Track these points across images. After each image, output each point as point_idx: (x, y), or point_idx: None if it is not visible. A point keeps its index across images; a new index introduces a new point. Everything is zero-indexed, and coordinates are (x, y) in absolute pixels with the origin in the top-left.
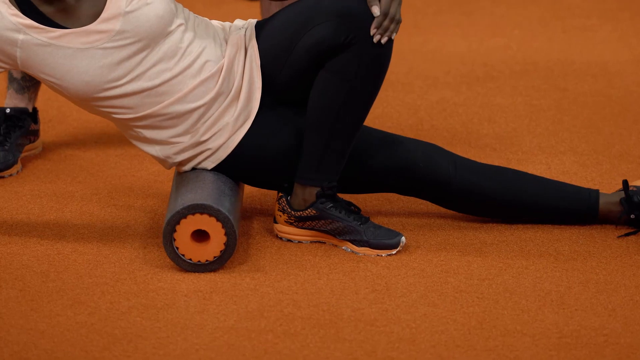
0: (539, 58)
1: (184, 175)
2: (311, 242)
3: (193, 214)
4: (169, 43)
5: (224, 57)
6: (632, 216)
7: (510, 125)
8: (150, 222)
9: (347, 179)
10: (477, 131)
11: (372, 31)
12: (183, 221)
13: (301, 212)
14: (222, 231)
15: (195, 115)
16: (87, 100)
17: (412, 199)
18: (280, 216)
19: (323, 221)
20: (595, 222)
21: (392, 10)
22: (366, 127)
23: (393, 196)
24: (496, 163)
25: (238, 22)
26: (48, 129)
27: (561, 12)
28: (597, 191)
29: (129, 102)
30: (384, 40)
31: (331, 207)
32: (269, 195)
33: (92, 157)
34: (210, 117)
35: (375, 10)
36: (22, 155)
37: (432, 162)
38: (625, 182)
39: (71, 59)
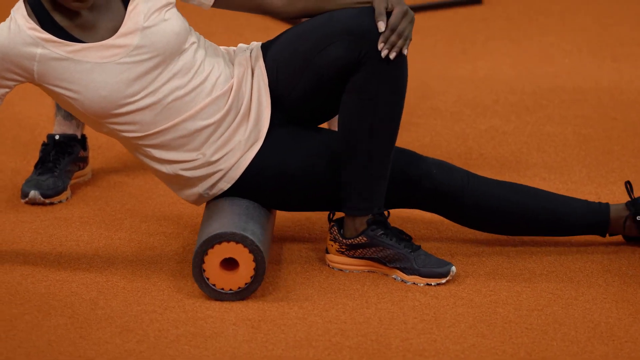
0: (589, 87)
1: (214, 202)
2: (362, 272)
3: (220, 242)
4: (184, 60)
5: (232, 77)
6: (638, 218)
7: (560, 154)
8: None
9: None
10: (526, 160)
11: (380, 46)
12: (210, 251)
13: (352, 240)
14: (250, 257)
15: (205, 133)
16: (102, 117)
17: (461, 227)
18: (332, 245)
19: (374, 248)
20: (606, 232)
21: (400, 27)
22: None
23: (442, 224)
24: None
25: (241, 45)
26: (97, 156)
27: (610, 41)
28: (607, 203)
29: (142, 119)
30: (392, 56)
31: (382, 234)
32: (318, 223)
33: (141, 184)
34: (220, 137)
35: (381, 26)
36: (72, 182)
37: (446, 171)
38: (628, 183)
39: (89, 73)
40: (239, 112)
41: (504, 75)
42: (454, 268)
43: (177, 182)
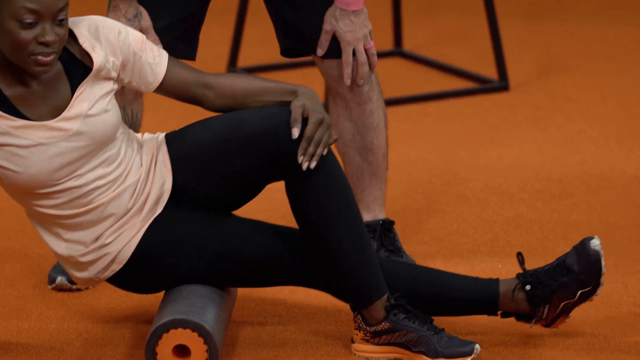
0: (615, 174)
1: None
2: (388, 359)
3: (167, 331)
4: (112, 150)
5: (142, 165)
6: (528, 287)
7: None
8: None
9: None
10: (553, 248)
11: (299, 159)
12: (161, 341)
13: (375, 327)
14: (204, 347)
15: (111, 220)
16: (21, 191)
17: (483, 317)
18: (357, 334)
19: (398, 333)
20: (497, 308)
21: (317, 136)
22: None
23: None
24: None
25: (147, 134)
26: None
27: (637, 129)
28: (497, 279)
29: (58, 201)
30: (312, 165)
31: (404, 317)
32: (344, 311)
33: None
34: (118, 222)
35: (295, 133)
36: None
37: None
38: (519, 255)
39: (24, 150)
40: (139, 199)
41: (530, 163)
42: (477, 346)
43: (70, 262)
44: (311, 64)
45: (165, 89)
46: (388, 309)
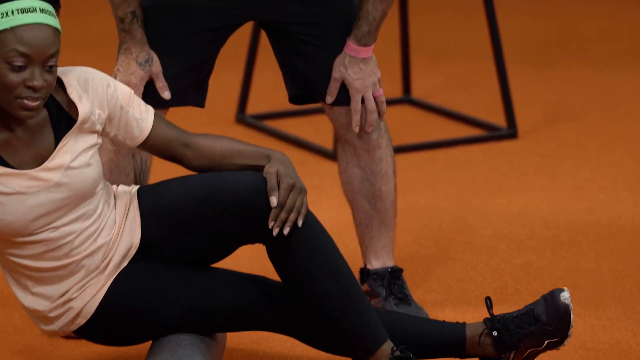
0: (624, 222)
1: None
2: None
3: None
4: (89, 205)
5: (115, 223)
6: (495, 333)
7: (595, 290)
8: None
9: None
10: None
11: (270, 224)
12: None
13: None
14: None
15: (80, 275)
16: None
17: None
18: None
19: None
20: (464, 352)
21: (289, 202)
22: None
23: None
24: (580, 329)
25: (122, 187)
26: None
27: None
28: (463, 322)
29: (32, 251)
30: (285, 231)
31: None
32: None
33: None
34: (86, 278)
35: (273, 201)
36: None
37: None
38: (487, 299)
39: (2, 197)
40: (108, 254)
41: (539, 210)
42: None
43: (35, 315)
44: (319, 111)
45: (149, 144)
46: (391, 359)
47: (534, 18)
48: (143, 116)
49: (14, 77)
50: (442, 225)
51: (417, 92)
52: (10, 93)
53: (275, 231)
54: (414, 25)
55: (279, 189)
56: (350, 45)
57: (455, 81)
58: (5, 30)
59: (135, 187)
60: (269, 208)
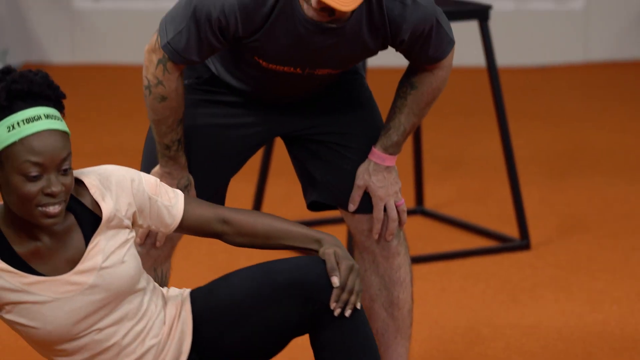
0: (639, 336)
1: None
2: None
3: None
4: (132, 303)
5: (164, 324)
6: None
7: None
8: None
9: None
10: None
11: (332, 305)
12: None
13: None
14: None
15: None
16: (40, 345)
17: None
18: None
19: None
20: None
21: (349, 283)
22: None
23: None
24: None
25: (173, 289)
26: None
27: None
28: None
29: (79, 357)
30: (347, 313)
31: None
32: None
33: None
34: None
35: (335, 281)
36: None
37: None
38: None
39: (40, 307)
40: (158, 357)
41: (552, 322)
42: None
43: None
44: (332, 221)
45: (184, 228)
46: None
47: (546, 130)
48: (173, 202)
49: (31, 187)
50: (455, 337)
51: (430, 203)
52: (29, 203)
53: (337, 312)
54: (427, 136)
55: (338, 270)
56: (377, 153)
57: (468, 192)
58: (14, 143)
59: (188, 290)
60: (329, 289)
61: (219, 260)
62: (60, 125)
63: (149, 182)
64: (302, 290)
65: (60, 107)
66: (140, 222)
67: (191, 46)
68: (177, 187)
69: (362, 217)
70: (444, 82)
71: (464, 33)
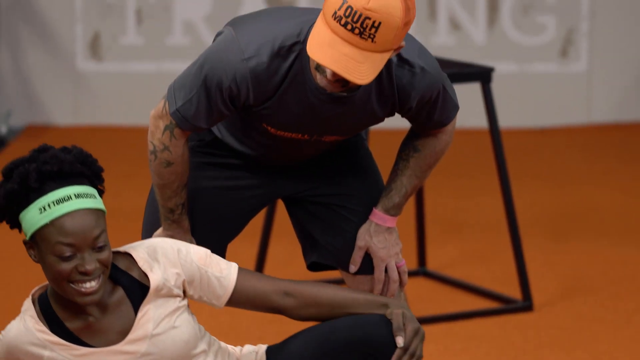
0: None
1: None
2: None
3: None
4: None
5: None
6: None
7: None
8: None
9: None
10: None
11: None
12: None
13: None
14: None
15: None
16: None
17: None
18: None
19: None
20: None
21: (412, 346)
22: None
23: None
24: None
25: (248, 346)
26: None
27: None
28: None
29: None
30: None
31: None
32: None
33: None
34: None
35: (400, 341)
36: None
37: None
38: None
39: None
40: None
41: None
42: None
43: None
44: (334, 282)
45: (238, 300)
46: None
47: (548, 191)
48: (224, 274)
49: (65, 266)
50: None
51: (432, 265)
52: (64, 281)
53: None
54: (429, 197)
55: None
56: (378, 214)
57: (471, 253)
58: (46, 225)
59: (264, 347)
60: (392, 349)
61: (220, 321)
62: (92, 203)
63: (198, 253)
64: (364, 347)
65: (97, 183)
66: (191, 292)
67: (200, 113)
68: None
69: (363, 278)
70: (447, 146)
71: (467, 94)
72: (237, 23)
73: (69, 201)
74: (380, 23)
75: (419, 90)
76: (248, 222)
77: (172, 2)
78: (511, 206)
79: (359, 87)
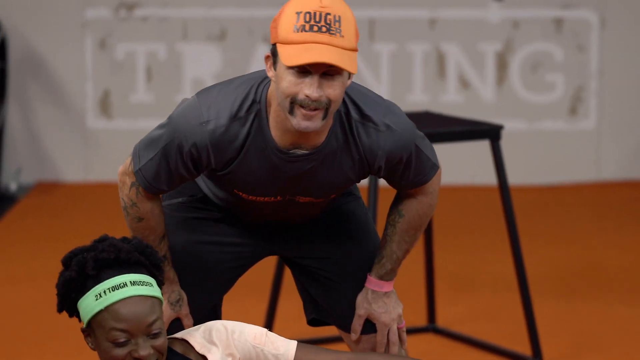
0: None
1: None
2: None
3: None
4: None
5: None
6: None
7: None
8: None
9: None
10: None
11: None
12: None
13: None
14: None
15: None
16: None
17: None
18: None
19: None
20: None
21: None
22: None
23: None
24: None
25: None
26: None
27: None
28: None
29: None
30: None
31: None
32: None
33: None
34: None
35: None
36: None
37: None
38: None
39: None
40: None
41: None
42: None
43: None
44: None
45: None
46: None
47: (558, 248)
48: (281, 351)
49: (119, 351)
50: None
51: (441, 321)
52: None
53: None
54: (439, 254)
55: None
56: (373, 281)
57: (480, 310)
58: (101, 311)
59: None
60: None
61: None
62: (147, 290)
63: (252, 333)
64: None
65: (156, 272)
66: None
67: (160, 176)
68: (168, 302)
69: (363, 338)
70: (430, 208)
71: (476, 152)
72: (202, 91)
73: (124, 288)
74: (340, 16)
75: (385, 148)
76: (238, 278)
77: (182, 59)
78: (521, 263)
79: (319, 145)
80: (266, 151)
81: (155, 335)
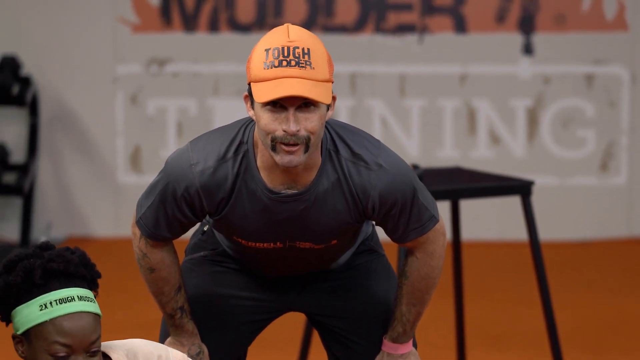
0: None
1: None
2: None
3: None
4: None
5: None
6: None
7: None
8: None
9: None
10: None
11: None
12: None
13: None
14: None
15: None
16: None
17: None
18: None
19: None
20: None
21: None
22: None
23: None
24: None
25: None
26: None
27: None
28: None
29: None
30: None
31: None
32: None
33: None
34: None
35: None
36: None
37: None
38: None
39: None
40: None
41: None
42: None
43: None
44: None
45: None
46: None
47: (589, 304)
48: None
49: None
50: None
51: None
52: None
53: None
54: (470, 309)
55: None
56: (388, 344)
57: None
58: (45, 323)
59: None
60: None
61: None
62: (92, 307)
63: (176, 357)
64: None
65: (94, 287)
66: None
67: (160, 222)
68: (188, 355)
69: None
70: (432, 270)
71: (507, 207)
72: (195, 138)
73: (72, 302)
74: (309, 49)
75: (377, 188)
76: (260, 331)
77: (212, 114)
78: (552, 318)
79: (310, 187)
80: (257, 193)
81: (93, 354)
